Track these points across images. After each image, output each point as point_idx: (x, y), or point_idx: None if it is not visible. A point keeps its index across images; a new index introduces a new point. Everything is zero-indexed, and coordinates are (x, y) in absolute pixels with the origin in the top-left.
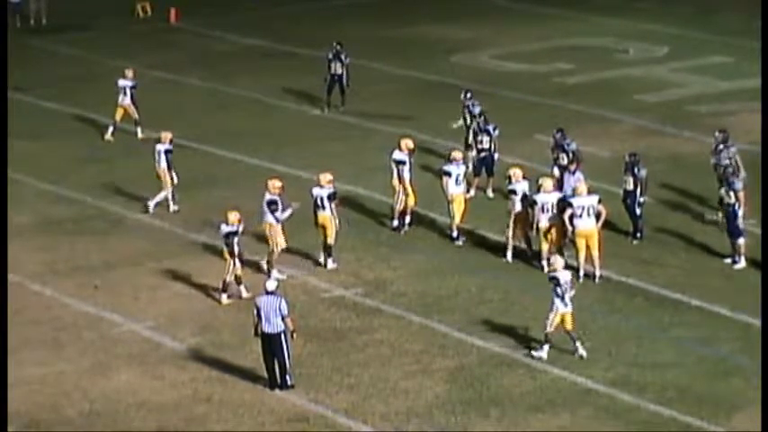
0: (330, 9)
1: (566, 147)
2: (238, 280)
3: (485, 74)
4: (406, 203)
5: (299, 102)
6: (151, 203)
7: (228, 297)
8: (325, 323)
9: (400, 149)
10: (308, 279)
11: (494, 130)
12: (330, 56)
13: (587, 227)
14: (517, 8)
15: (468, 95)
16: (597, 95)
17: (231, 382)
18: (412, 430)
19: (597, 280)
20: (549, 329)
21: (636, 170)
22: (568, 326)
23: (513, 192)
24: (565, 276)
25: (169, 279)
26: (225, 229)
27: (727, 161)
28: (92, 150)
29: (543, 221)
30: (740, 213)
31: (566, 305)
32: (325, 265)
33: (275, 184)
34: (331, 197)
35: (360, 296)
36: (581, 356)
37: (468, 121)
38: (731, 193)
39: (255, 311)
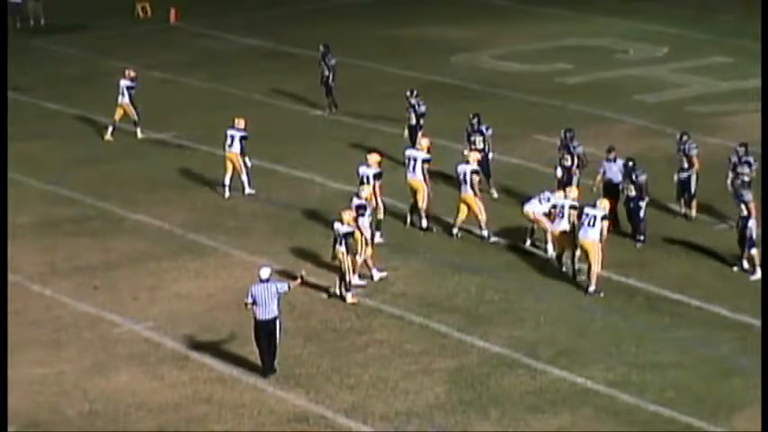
0: (330, 9)
1: (571, 149)
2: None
3: (485, 74)
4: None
5: (299, 102)
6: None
7: (353, 297)
8: (325, 323)
9: (414, 148)
10: (307, 279)
11: (486, 129)
12: (319, 58)
13: (582, 236)
14: (517, 8)
15: (415, 93)
16: (597, 95)
17: (231, 382)
18: (412, 430)
19: (589, 293)
20: None
21: (634, 176)
22: None
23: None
24: None
25: (169, 279)
26: (341, 229)
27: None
28: (92, 150)
29: (555, 224)
30: (751, 224)
31: None
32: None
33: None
34: (377, 176)
35: (360, 296)
36: None
37: (413, 121)
38: (741, 206)
39: (251, 300)
